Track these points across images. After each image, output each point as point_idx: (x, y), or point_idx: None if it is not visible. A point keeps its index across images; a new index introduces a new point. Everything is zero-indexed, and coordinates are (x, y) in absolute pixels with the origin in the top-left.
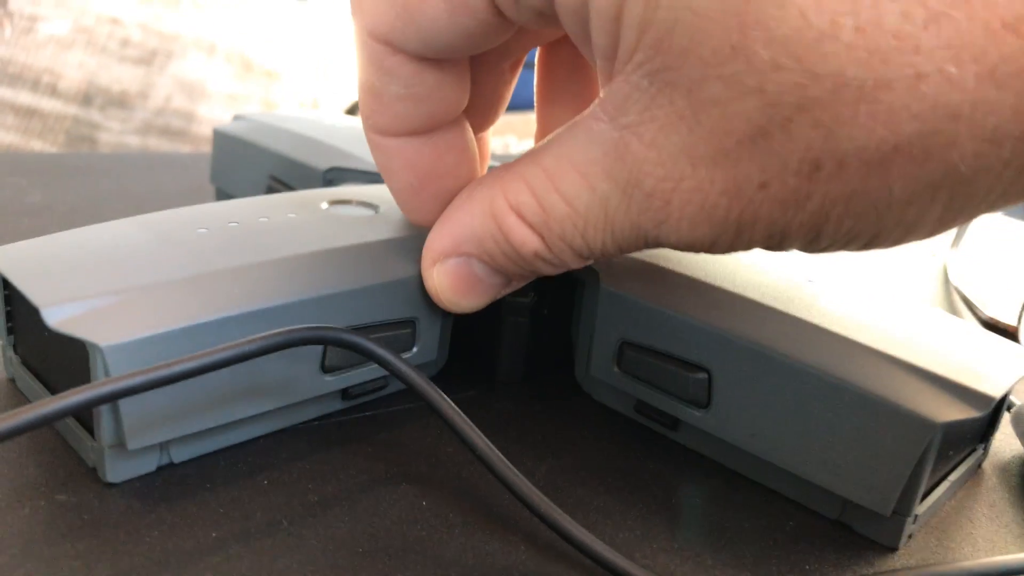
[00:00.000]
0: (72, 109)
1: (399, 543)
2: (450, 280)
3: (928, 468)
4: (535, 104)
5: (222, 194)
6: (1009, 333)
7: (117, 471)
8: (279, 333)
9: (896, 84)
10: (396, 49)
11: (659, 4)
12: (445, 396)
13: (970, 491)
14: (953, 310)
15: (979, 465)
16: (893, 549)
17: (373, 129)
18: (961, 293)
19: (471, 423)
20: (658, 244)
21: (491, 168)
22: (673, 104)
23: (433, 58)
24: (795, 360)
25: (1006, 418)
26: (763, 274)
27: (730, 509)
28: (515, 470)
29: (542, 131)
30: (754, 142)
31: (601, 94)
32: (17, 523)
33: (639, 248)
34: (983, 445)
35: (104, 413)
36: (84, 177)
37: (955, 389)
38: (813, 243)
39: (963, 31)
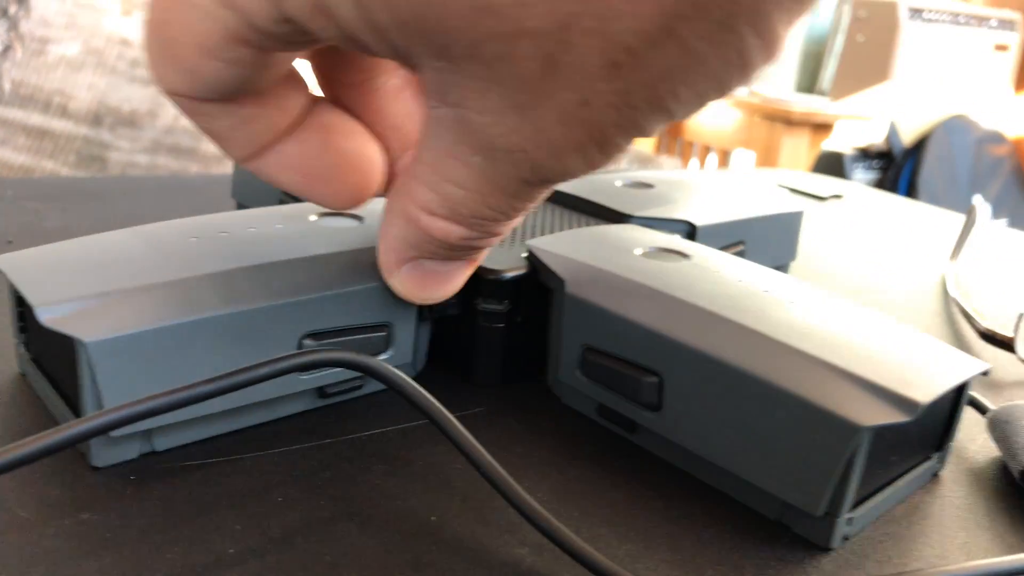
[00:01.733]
0: (82, 129)
1: (410, 557)
2: (412, 283)
3: (857, 470)
4: None
5: (242, 208)
6: (1006, 344)
7: (101, 457)
8: (290, 356)
9: None
10: (198, 98)
11: (395, 3)
12: (456, 421)
13: (938, 495)
14: (951, 321)
15: (935, 474)
16: (826, 549)
17: (237, 160)
18: (959, 304)
19: (479, 445)
20: (552, 181)
21: None
22: (472, 71)
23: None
24: (734, 365)
25: (980, 425)
26: (722, 285)
27: (684, 511)
28: (519, 489)
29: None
30: (551, 71)
31: (423, 88)
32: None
33: (542, 191)
34: (938, 455)
35: (89, 405)
36: (99, 201)
37: (885, 395)
38: (670, 116)
39: None
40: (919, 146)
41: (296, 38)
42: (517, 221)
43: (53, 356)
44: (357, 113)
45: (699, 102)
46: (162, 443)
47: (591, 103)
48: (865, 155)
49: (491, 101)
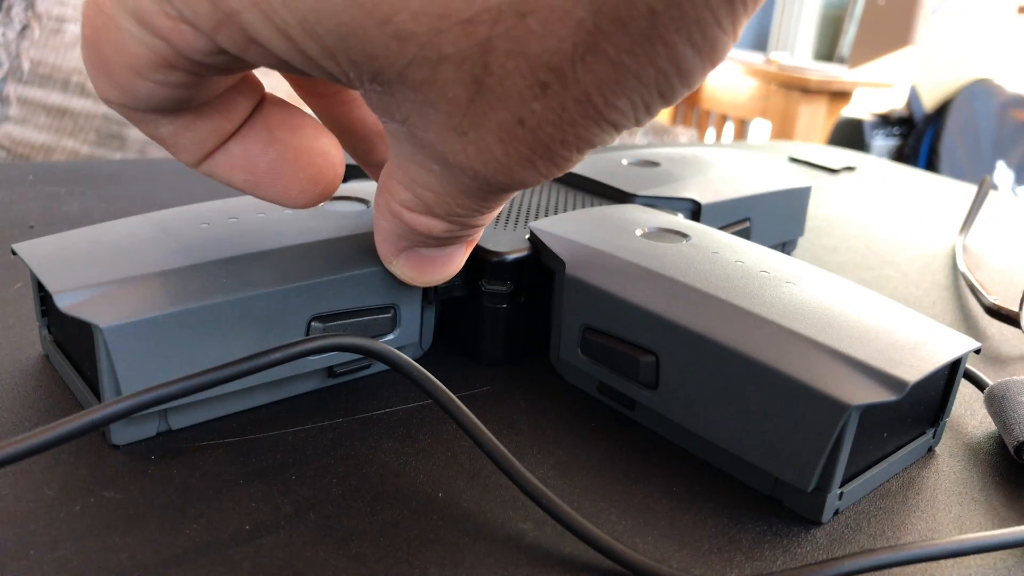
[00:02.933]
0: (101, 108)
1: (417, 532)
2: (411, 269)
3: (846, 448)
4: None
5: None
6: (1012, 319)
7: (121, 435)
8: (301, 343)
9: None
10: (136, 109)
11: (318, 33)
12: (460, 403)
13: (933, 469)
14: (959, 295)
15: (929, 449)
16: (817, 523)
17: (186, 164)
18: (967, 278)
19: (482, 425)
20: (512, 190)
21: None
22: (407, 95)
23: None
24: (727, 345)
25: (979, 400)
26: (719, 265)
27: (678, 487)
28: (521, 467)
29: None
30: (480, 94)
31: (370, 105)
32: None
33: (508, 195)
34: (933, 430)
35: (107, 386)
36: (117, 184)
37: (873, 373)
38: (617, 128)
39: None
40: (941, 112)
41: (232, 65)
42: (496, 213)
43: (73, 339)
44: (339, 121)
45: (645, 112)
46: (177, 422)
47: (527, 122)
48: (885, 121)
49: (431, 122)
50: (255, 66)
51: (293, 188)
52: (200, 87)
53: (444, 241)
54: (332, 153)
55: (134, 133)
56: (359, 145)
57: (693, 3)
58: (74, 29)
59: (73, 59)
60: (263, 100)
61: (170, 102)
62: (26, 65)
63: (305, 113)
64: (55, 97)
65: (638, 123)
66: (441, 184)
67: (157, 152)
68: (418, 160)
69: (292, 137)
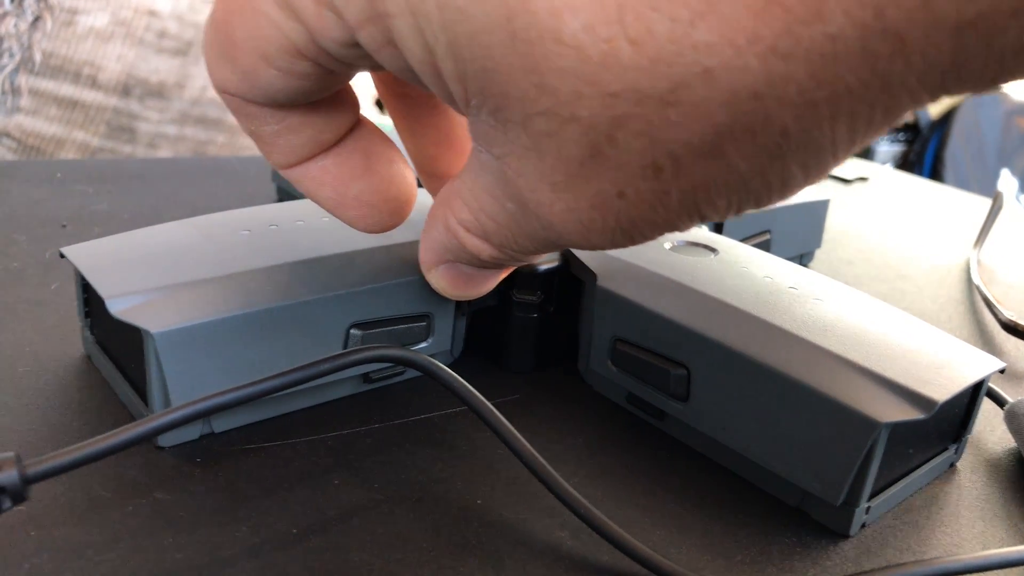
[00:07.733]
0: (112, 100)
1: (459, 539)
2: (447, 282)
3: (875, 463)
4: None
5: (283, 192)
6: None
7: (167, 438)
8: (348, 354)
9: (691, 81)
10: (249, 100)
11: (463, 57)
12: (499, 413)
13: (955, 484)
14: (974, 310)
15: (951, 464)
16: (845, 536)
17: (276, 166)
18: (982, 293)
19: (519, 435)
20: (573, 246)
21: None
22: (519, 138)
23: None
24: (760, 360)
25: (999, 416)
26: (749, 280)
27: (700, 495)
28: (558, 477)
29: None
30: (594, 160)
31: (471, 131)
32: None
33: (558, 249)
34: (955, 446)
35: (155, 389)
36: (144, 183)
37: (902, 392)
38: (703, 220)
39: (730, 19)
40: (946, 118)
41: (358, 62)
42: (539, 256)
43: (119, 342)
44: (415, 125)
45: (734, 212)
46: (220, 425)
47: (627, 197)
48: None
49: (532, 169)
50: (378, 68)
51: (372, 216)
52: (318, 81)
53: (486, 265)
54: (413, 191)
55: (144, 126)
56: (429, 152)
57: (822, 132)
58: (86, 21)
59: (85, 51)
60: (359, 122)
61: (285, 94)
62: (38, 56)
63: (396, 146)
64: (66, 89)
65: (722, 219)
66: (508, 220)
67: (166, 148)
68: (494, 193)
69: (387, 170)
